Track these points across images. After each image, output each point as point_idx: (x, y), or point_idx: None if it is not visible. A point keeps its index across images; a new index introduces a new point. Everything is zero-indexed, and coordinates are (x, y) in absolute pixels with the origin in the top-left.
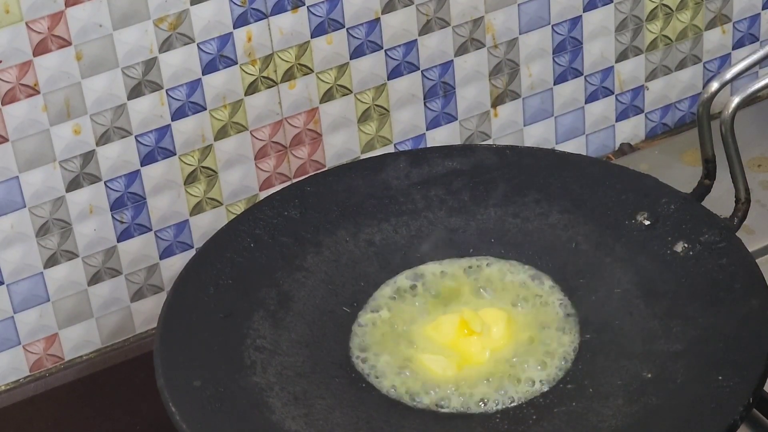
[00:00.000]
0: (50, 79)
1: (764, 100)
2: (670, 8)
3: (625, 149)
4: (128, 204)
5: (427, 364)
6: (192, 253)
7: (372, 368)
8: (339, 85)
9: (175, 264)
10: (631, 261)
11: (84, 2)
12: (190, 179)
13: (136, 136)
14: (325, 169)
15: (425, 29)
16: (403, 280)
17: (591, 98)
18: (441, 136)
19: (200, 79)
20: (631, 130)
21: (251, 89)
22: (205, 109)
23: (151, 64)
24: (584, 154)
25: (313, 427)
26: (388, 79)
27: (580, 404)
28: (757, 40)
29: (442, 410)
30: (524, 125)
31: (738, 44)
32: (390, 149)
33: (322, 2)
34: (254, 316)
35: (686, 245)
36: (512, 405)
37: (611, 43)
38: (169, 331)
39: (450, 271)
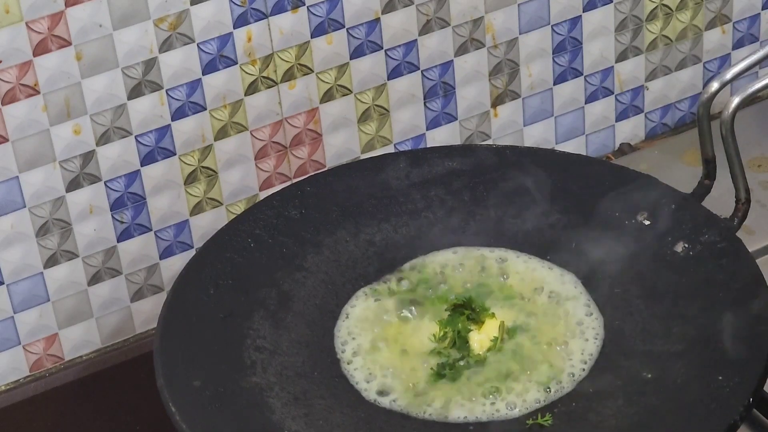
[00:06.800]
0: (50, 79)
1: (764, 100)
2: (670, 8)
3: (625, 149)
4: (128, 204)
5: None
6: (192, 253)
7: (365, 376)
8: (339, 85)
9: (175, 264)
10: (631, 261)
11: (84, 2)
12: (190, 179)
13: (136, 136)
14: (325, 169)
15: (425, 29)
16: (399, 279)
17: (591, 98)
18: (441, 136)
19: (200, 79)
20: (631, 130)
21: (251, 89)
22: (205, 109)
23: (151, 64)
24: (584, 154)
25: (313, 427)
26: (388, 79)
27: (580, 404)
28: (757, 40)
29: (441, 412)
30: (524, 125)
31: (738, 44)
32: (390, 149)
33: (322, 2)
34: (254, 316)
35: (686, 245)
36: (511, 407)
37: (611, 43)
38: (169, 331)
39: (449, 271)
